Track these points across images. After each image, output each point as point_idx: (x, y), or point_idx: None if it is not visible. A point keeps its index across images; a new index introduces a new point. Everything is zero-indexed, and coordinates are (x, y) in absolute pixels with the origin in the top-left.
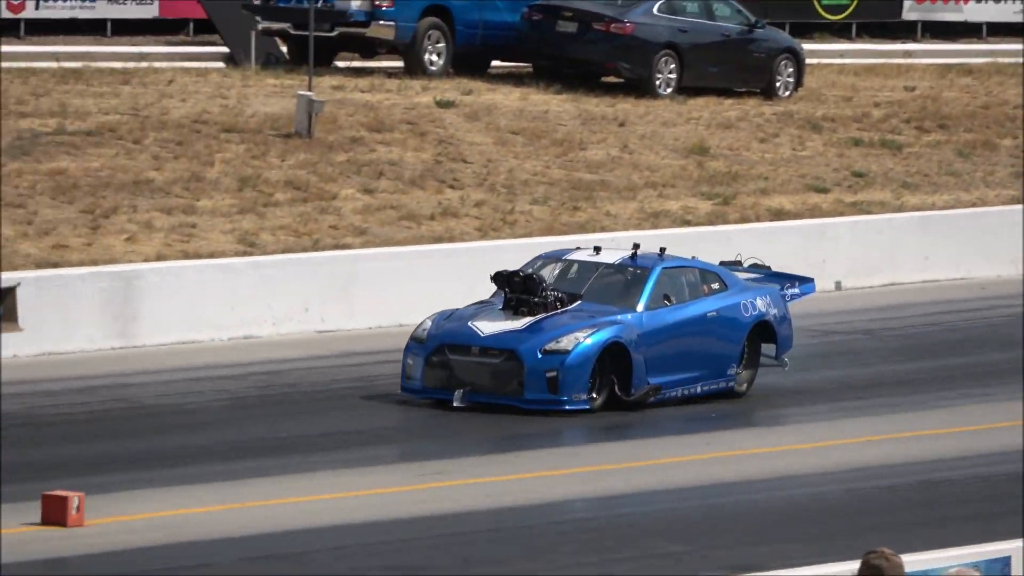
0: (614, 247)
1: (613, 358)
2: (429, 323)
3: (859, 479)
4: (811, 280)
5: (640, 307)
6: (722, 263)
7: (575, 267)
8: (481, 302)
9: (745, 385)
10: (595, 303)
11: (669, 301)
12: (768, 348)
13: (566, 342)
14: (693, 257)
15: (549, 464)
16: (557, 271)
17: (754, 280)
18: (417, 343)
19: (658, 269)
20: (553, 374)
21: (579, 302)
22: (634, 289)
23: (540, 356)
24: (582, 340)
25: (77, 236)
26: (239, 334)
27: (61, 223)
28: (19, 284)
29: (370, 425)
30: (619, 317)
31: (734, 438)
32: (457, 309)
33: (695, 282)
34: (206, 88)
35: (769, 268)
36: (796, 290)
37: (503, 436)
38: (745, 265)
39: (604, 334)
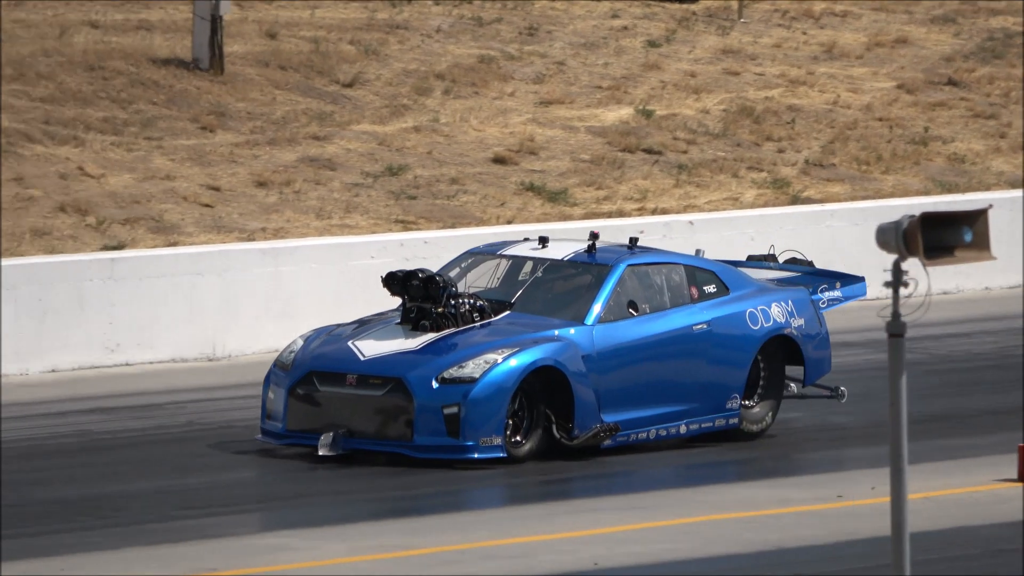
0: (570, 238)
1: (548, 388)
2: (299, 343)
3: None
4: (860, 279)
5: (590, 318)
6: (750, 257)
7: (510, 265)
8: (380, 314)
9: (760, 423)
10: (529, 314)
11: (635, 311)
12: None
13: (472, 367)
14: (699, 252)
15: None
16: (488, 270)
17: (779, 281)
18: (280, 371)
19: (621, 267)
20: (453, 410)
21: (507, 312)
22: (586, 294)
23: (436, 386)
24: (496, 363)
25: None
26: None
27: None
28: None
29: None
30: (557, 332)
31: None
32: (342, 324)
33: (679, 284)
34: None
35: (811, 264)
36: (837, 293)
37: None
38: (779, 261)
39: (529, 355)
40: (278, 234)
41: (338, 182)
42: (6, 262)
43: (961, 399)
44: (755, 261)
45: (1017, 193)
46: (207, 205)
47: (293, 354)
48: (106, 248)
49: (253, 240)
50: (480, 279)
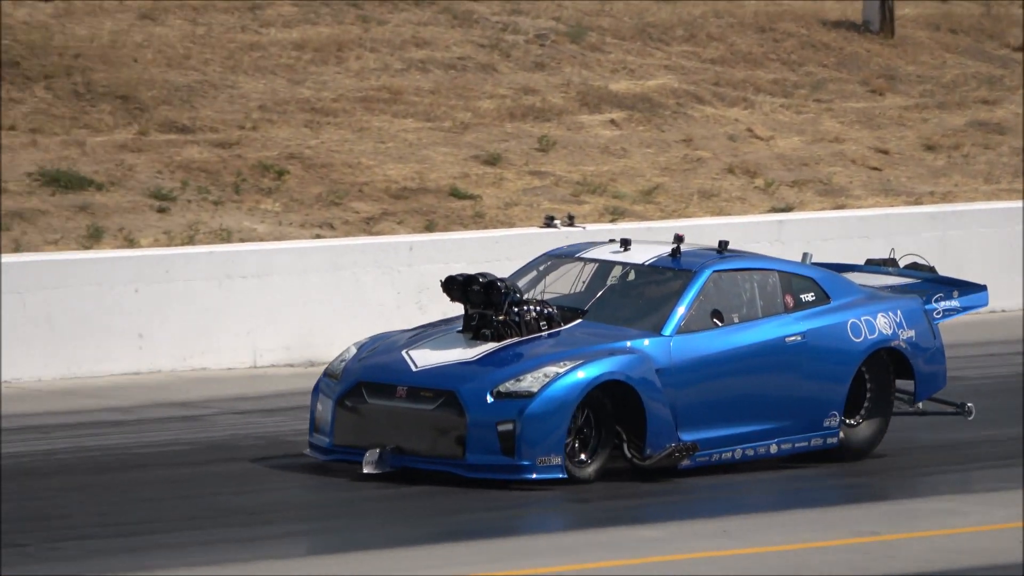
0: (654, 240)
1: (618, 404)
2: (353, 351)
3: None
4: (982, 288)
5: (668, 329)
6: (869, 262)
7: (591, 269)
8: (444, 320)
9: (865, 443)
10: (603, 323)
11: (720, 320)
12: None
13: (530, 381)
14: (806, 256)
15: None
16: (572, 274)
17: (891, 288)
18: (330, 380)
19: (706, 273)
20: (508, 427)
21: (579, 320)
22: (666, 302)
23: (491, 401)
24: (557, 377)
25: None
26: None
27: None
28: None
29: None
30: (630, 344)
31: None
32: (403, 330)
33: (773, 292)
34: None
35: (933, 270)
36: (955, 303)
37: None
38: (900, 266)
39: (596, 368)
40: (945, 198)
41: (1007, 147)
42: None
43: None
44: (873, 266)
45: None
46: (875, 168)
47: (344, 362)
48: (774, 210)
49: (920, 204)
50: (561, 284)
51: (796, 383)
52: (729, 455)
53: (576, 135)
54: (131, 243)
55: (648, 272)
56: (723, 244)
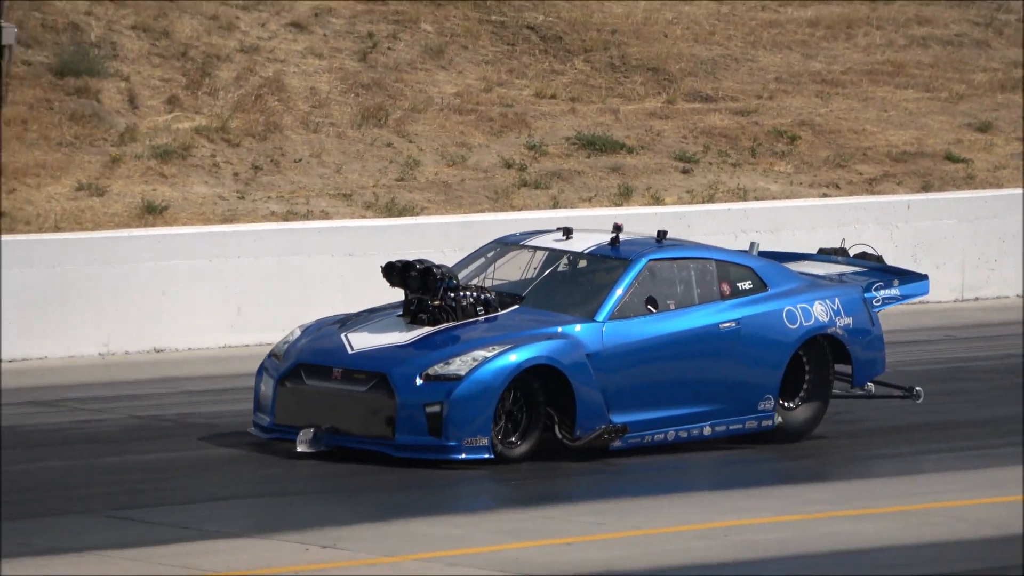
0: (601, 229)
1: (549, 387)
2: (297, 332)
3: None
4: (923, 277)
5: (601, 315)
6: (821, 251)
7: (536, 257)
8: (388, 305)
9: (802, 425)
10: (540, 309)
11: (655, 307)
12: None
13: (459, 364)
14: (753, 245)
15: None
16: (523, 262)
17: (838, 276)
18: (273, 361)
19: (642, 261)
20: (436, 409)
21: (515, 307)
22: (600, 289)
23: (419, 384)
24: (485, 361)
25: None
26: None
27: None
28: None
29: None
30: (561, 329)
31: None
32: (347, 314)
33: (709, 280)
34: None
35: (881, 260)
36: (894, 291)
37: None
38: (850, 256)
39: (524, 353)
40: None
41: None
42: None
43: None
44: (825, 255)
45: None
46: None
47: (287, 344)
48: None
49: None
50: (512, 271)
51: (730, 368)
52: (661, 437)
53: None
54: (657, 201)
55: (587, 260)
56: (662, 233)
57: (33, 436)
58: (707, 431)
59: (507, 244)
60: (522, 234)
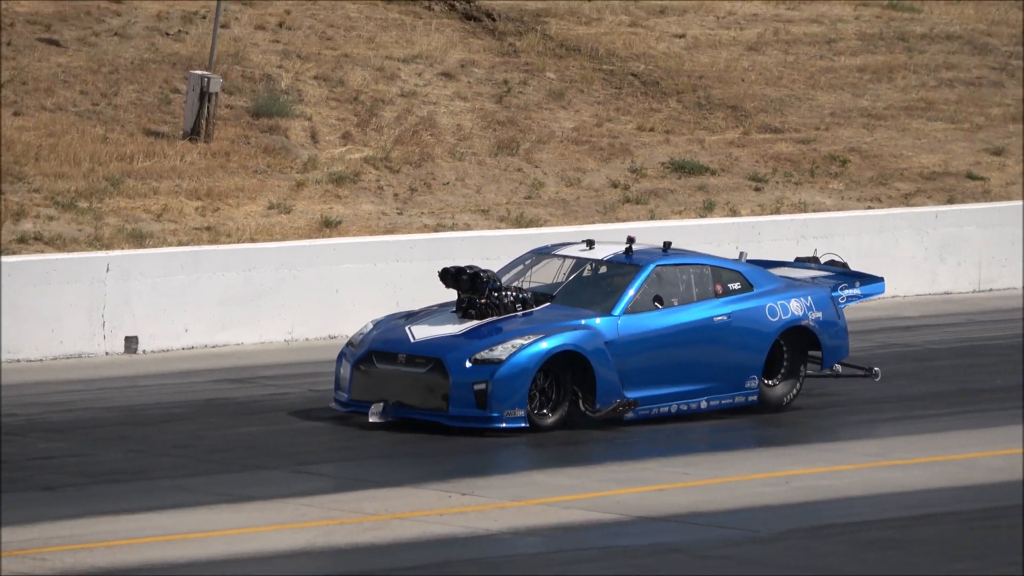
0: (613, 240)
1: (574, 369)
2: (370, 326)
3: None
4: (879, 279)
5: (617, 310)
6: (798, 259)
7: (565, 264)
8: (445, 303)
9: (782, 400)
10: (567, 306)
11: (660, 303)
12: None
13: (500, 351)
14: (742, 255)
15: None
16: (555, 267)
17: (811, 280)
18: (350, 348)
19: (650, 266)
20: (482, 387)
21: (547, 304)
22: (616, 289)
23: (468, 366)
24: (522, 347)
25: None
26: None
27: None
28: None
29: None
30: (583, 322)
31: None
32: (411, 311)
33: (705, 282)
34: None
35: (845, 266)
36: (856, 291)
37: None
38: (821, 262)
39: (554, 341)
40: None
41: None
42: None
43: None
44: (800, 262)
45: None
46: None
47: (362, 335)
48: None
49: None
50: (545, 275)
51: (722, 352)
52: (666, 409)
53: None
54: (734, 213)
55: (606, 266)
56: (667, 244)
57: (228, 406)
58: (703, 405)
59: (541, 253)
60: (553, 245)
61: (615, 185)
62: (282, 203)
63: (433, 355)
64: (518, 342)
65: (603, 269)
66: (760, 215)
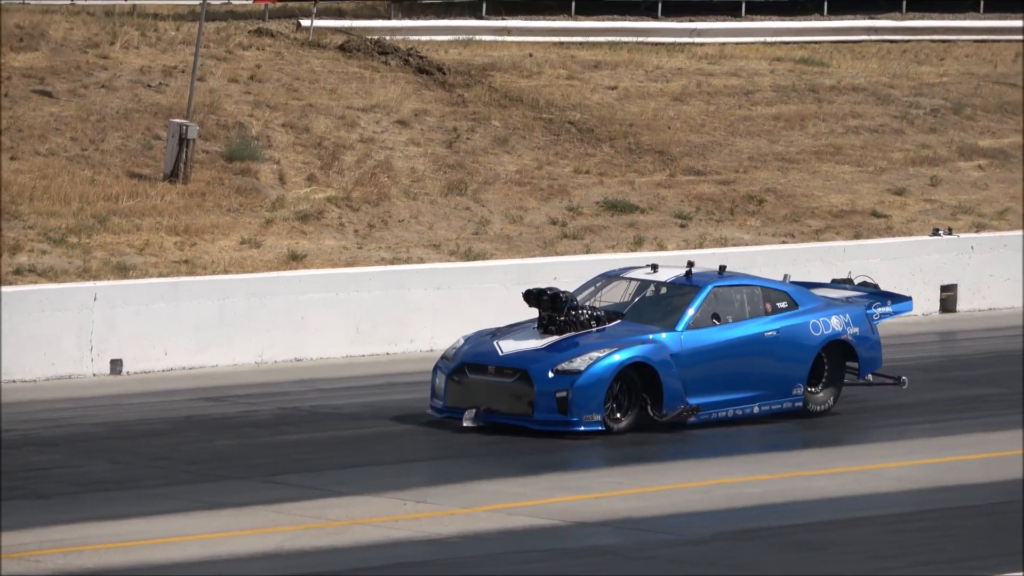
0: (675, 265)
1: (643, 378)
2: (462, 341)
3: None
4: (907, 299)
5: (680, 326)
6: (834, 281)
7: (631, 285)
8: (527, 320)
9: (824, 405)
10: (635, 322)
11: (718, 320)
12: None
13: (579, 362)
14: (786, 277)
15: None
16: (622, 288)
17: (846, 299)
18: (445, 361)
19: (708, 288)
20: (563, 394)
21: (618, 321)
22: (679, 308)
23: (551, 376)
24: (599, 359)
25: None
26: None
27: None
28: None
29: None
30: (651, 337)
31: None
32: (497, 327)
33: (756, 301)
34: None
35: (876, 287)
36: (888, 308)
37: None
38: (856, 283)
39: (626, 353)
40: None
41: None
42: None
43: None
44: (836, 283)
45: None
46: None
47: (455, 349)
48: None
49: None
50: (614, 295)
51: (771, 364)
52: (724, 414)
53: (955, 175)
54: (661, 247)
55: (668, 287)
56: (722, 268)
57: (204, 422)
58: (756, 410)
59: (610, 277)
60: (620, 269)
61: (554, 222)
62: (253, 238)
63: (520, 366)
64: (595, 355)
65: (664, 290)
66: (685, 249)
